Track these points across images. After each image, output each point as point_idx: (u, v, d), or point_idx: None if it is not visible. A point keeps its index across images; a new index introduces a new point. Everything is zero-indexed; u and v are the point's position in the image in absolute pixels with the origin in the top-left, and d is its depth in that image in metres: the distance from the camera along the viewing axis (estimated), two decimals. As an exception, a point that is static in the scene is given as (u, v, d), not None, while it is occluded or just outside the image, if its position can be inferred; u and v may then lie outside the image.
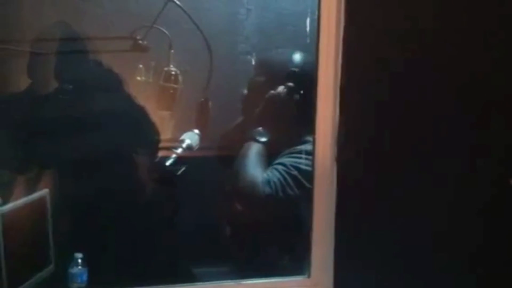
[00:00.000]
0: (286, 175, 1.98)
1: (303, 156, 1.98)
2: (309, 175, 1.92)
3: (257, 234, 2.06)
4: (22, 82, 2.11)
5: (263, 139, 2.05)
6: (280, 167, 1.99)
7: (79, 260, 1.84)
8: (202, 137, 2.08)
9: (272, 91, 2.06)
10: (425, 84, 1.74)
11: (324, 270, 1.79)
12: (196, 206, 2.13)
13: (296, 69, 2.06)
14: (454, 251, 1.80)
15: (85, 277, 1.84)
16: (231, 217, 2.13)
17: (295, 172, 1.97)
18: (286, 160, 2.01)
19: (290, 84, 2.05)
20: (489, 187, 1.79)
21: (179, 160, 1.99)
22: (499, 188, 1.78)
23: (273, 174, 1.98)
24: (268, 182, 1.97)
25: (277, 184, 1.96)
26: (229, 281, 1.90)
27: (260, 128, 2.06)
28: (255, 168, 2.00)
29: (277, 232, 2.04)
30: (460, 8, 1.72)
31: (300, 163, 1.98)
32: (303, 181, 1.96)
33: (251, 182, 1.98)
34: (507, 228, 1.81)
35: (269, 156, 2.06)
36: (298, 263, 1.91)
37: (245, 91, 2.15)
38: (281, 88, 2.05)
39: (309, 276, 1.83)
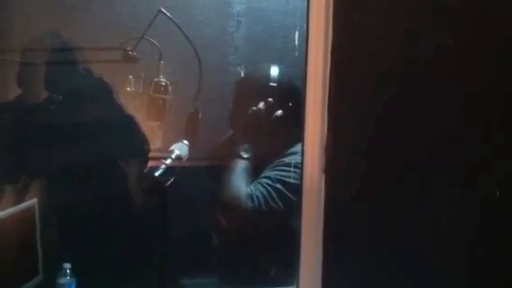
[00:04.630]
0: (270, 189, 2.00)
1: (289, 168, 2.00)
2: (294, 188, 1.94)
3: (245, 245, 2.06)
4: (12, 91, 2.11)
5: (247, 155, 2.08)
6: (263, 181, 2.02)
7: (68, 271, 1.84)
8: (191, 147, 2.09)
9: (254, 107, 2.08)
10: (418, 95, 1.75)
11: (313, 281, 1.80)
12: (185, 216, 2.14)
13: (275, 84, 2.08)
14: (447, 267, 1.80)
15: (73, 288, 1.84)
16: (219, 228, 2.14)
17: (278, 185, 2.00)
18: (271, 173, 2.03)
19: (270, 99, 2.07)
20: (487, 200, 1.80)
21: (169, 170, 2.00)
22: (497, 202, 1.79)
23: (256, 188, 2.00)
24: (251, 196, 1.99)
25: (260, 198, 1.98)
26: (218, 291, 1.91)
27: (244, 145, 2.08)
28: (239, 183, 2.02)
29: (266, 243, 2.04)
30: (453, 20, 1.73)
31: (285, 176, 2.00)
32: (287, 193, 1.98)
33: (235, 198, 2.00)
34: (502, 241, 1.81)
35: (257, 170, 2.07)
36: (286, 274, 1.91)
37: (232, 106, 2.16)
38: (262, 104, 2.07)
39: (297, 287, 1.83)
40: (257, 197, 1.98)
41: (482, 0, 1.72)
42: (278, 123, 2.07)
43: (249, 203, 1.98)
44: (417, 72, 1.74)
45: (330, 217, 1.75)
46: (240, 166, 2.06)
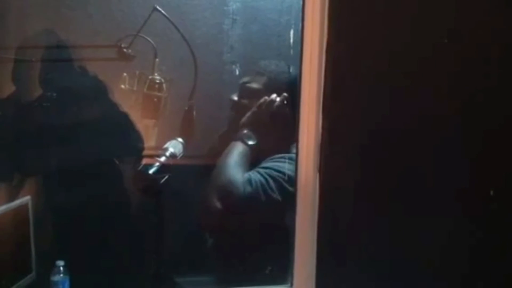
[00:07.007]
0: (267, 177, 1.95)
1: (287, 161, 1.97)
2: (291, 180, 1.90)
3: (240, 242, 2.06)
4: (6, 89, 2.11)
5: (251, 142, 2.03)
6: (262, 170, 1.97)
7: (61, 268, 1.83)
8: (185, 145, 2.09)
9: (266, 97, 2.06)
10: (413, 95, 1.75)
11: (307, 279, 1.80)
12: (179, 214, 2.13)
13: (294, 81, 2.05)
14: (445, 267, 1.80)
15: (66, 285, 1.84)
16: (213, 225, 2.12)
17: (275, 174, 1.95)
18: (269, 164, 1.99)
19: (285, 94, 2.05)
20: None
21: (163, 168, 1.99)
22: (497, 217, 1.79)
23: (254, 175, 1.96)
24: (249, 181, 1.93)
25: (258, 184, 1.93)
26: (212, 289, 1.90)
27: (249, 131, 2.04)
28: (236, 167, 1.96)
29: (260, 240, 2.04)
30: (452, 19, 1.73)
31: (283, 167, 1.96)
32: (284, 184, 1.94)
33: (231, 181, 1.94)
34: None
35: (254, 162, 2.03)
36: (281, 271, 1.91)
37: (235, 98, 2.14)
38: (274, 96, 2.05)
39: (291, 285, 1.84)
40: (256, 182, 1.93)
41: (482, 0, 1.73)
42: (287, 119, 2.03)
43: (247, 188, 1.92)
44: (413, 71, 1.74)
45: (324, 216, 1.75)
46: (240, 151, 2.00)
